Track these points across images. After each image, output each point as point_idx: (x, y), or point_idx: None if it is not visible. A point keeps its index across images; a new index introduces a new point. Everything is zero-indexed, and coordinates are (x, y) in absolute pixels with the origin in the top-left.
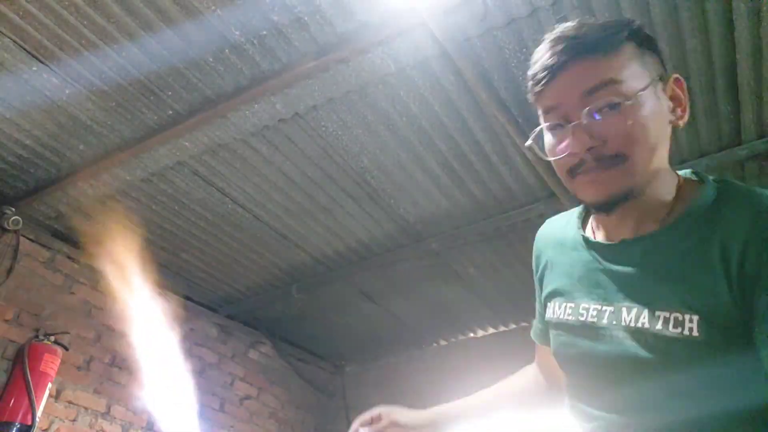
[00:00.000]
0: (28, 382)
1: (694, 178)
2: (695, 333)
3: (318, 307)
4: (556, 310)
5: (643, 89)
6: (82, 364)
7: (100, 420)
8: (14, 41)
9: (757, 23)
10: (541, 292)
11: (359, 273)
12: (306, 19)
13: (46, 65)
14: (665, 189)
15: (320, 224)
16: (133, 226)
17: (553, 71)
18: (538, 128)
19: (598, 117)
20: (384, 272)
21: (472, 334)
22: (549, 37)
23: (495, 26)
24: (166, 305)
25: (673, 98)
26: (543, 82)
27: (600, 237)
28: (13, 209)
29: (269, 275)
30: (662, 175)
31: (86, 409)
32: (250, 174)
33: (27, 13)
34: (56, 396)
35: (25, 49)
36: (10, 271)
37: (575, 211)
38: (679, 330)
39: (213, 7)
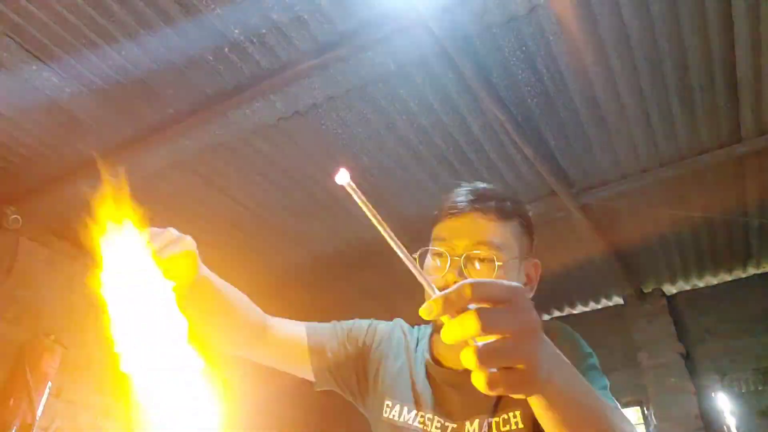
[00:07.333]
0: (29, 382)
1: None
2: (520, 425)
3: (318, 306)
4: (405, 414)
5: (512, 259)
6: (83, 363)
7: (100, 419)
8: (14, 40)
9: (756, 21)
10: (372, 366)
11: (360, 272)
12: (306, 17)
13: (46, 64)
14: None
15: (321, 223)
16: (133, 224)
17: (459, 211)
18: (423, 249)
19: (475, 264)
20: (385, 271)
21: None
22: (466, 186)
23: (494, 24)
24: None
25: (527, 276)
26: (449, 216)
27: (446, 363)
28: (13, 208)
29: (269, 274)
30: None
31: (87, 408)
32: (251, 172)
33: (27, 12)
34: (57, 395)
35: (25, 48)
36: (10, 270)
37: (426, 333)
38: (507, 428)
39: (213, 6)
